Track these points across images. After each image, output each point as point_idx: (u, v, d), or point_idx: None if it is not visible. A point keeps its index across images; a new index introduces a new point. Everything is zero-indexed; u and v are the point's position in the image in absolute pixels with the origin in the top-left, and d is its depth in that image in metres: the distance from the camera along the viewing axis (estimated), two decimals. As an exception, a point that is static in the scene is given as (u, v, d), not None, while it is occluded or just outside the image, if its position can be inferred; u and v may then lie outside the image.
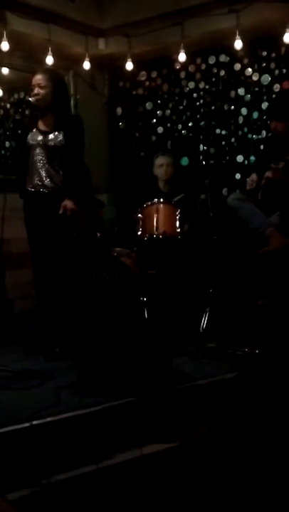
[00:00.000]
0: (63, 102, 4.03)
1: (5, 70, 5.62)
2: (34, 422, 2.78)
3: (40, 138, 3.95)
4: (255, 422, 2.80)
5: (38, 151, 3.95)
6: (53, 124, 3.96)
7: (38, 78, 3.94)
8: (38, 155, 3.95)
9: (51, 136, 3.93)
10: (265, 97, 5.54)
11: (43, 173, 3.94)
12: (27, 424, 2.76)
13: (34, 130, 4.00)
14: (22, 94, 5.81)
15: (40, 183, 3.96)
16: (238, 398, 2.92)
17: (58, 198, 3.91)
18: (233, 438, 2.78)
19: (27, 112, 4.17)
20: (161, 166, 5.21)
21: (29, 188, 4.00)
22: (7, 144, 5.94)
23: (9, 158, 5.88)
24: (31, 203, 4.02)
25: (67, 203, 3.88)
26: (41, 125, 4.01)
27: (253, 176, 4.50)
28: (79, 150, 4.02)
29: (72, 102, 6.04)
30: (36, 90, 3.92)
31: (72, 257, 3.90)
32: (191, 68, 5.94)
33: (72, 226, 3.97)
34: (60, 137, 3.91)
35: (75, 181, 3.97)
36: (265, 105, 5.51)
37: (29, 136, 4.00)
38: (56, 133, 3.92)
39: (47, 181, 3.94)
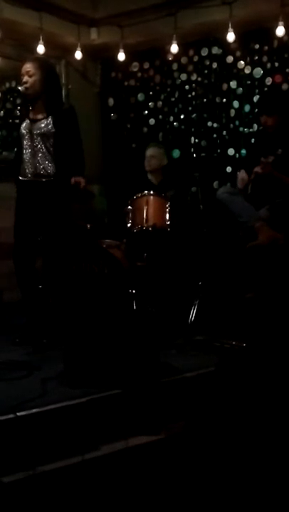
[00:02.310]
0: (53, 89, 4.00)
1: (-4, 59, 5.58)
2: (19, 413, 2.77)
3: (31, 126, 3.93)
4: (232, 415, 2.81)
5: (27, 139, 3.94)
6: (42, 112, 3.94)
7: (27, 66, 3.92)
8: (28, 144, 3.93)
9: (41, 124, 3.91)
10: (257, 91, 5.52)
11: (33, 163, 3.92)
12: (11, 416, 2.75)
13: (26, 120, 3.98)
14: (13, 83, 5.77)
15: (30, 173, 3.94)
16: (214, 392, 2.93)
17: (50, 188, 3.89)
18: (209, 431, 2.80)
19: (18, 102, 4.14)
20: (146, 157, 5.20)
21: (20, 178, 3.99)
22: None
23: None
24: (22, 192, 4.01)
25: (80, 179, 3.89)
26: (32, 113, 3.98)
27: (243, 175, 4.49)
28: (74, 138, 3.98)
29: (63, 91, 6.02)
30: (25, 78, 3.90)
31: (62, 248, 3.89)
32: (184, 60, 5.91)
33: (65, 217, 3.96)
34: (50, 125, 3.89)
35: (76, 167, 3.94)
36: (256, 98, 5.50)
37: (22, 125, 3.99)
38: (46, 121, 3.91)
39: (37, 170, 3.92)
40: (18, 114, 4.03)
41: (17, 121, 5.47)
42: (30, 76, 3.89)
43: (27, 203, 3.98)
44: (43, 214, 3.92)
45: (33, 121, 3.94)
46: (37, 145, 3.91)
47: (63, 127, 3.92)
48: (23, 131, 3.96)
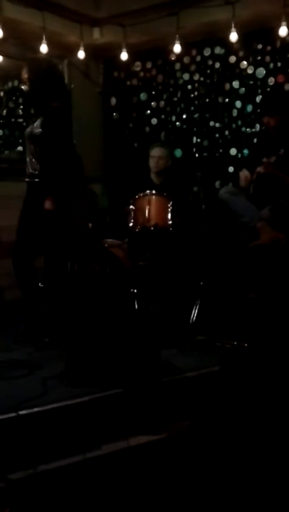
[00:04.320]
0: (41, 89, 3.93)
1: (-2, 58, 5.59)
2: (21, 412, 2.78)
3: (29, 128, 3.97)
4: (237, 415, 2.81)
5: (26, 141, 3.98)
6: (36, 113, 3.97)
7: (24, 71, 3.95)
8: (26, 145, 3.98)
9: (33, 125, 3.94)
10: (259, 91, 5.52)
11: (28, 163, 3.96)
12: (13, 414, 2.76)
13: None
14: (16, 83, 5.79)
15: (27, 173, 3.98)
16: (219, 392, 2.93)
17: (38, 188, 3.91)
18: (214, 431, 2.80)
19: (21, 101, 4.14)
20: (152, 157, 5.18)
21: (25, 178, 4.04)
22: (0, 132, 5.91)
23: (1, 146, 5.86)
24: (26, 192, 4.05)
25: (46, 203, 3.82)
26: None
27: (246, 173, 4.49)
28: (64, 139, 3.94)
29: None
30: (24, 85, 3.94)
31: (62, 247, 3.89)
32: (186, 60, 5.92)
33: (50, 223, 3.92)
34: (37, 126, 3.91)
35: (53, 172, 3.90)
36: (259, 98, 5.50)
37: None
38: (37, 122, 3.93)
39: (30, 171, 3.96)
40: (21, 113, 4.04)
41: (20, 120, 5.51)
42: (24, 82, 3.94)
43: (26, 203, 4.01)
44: (30, 214, 3.95)
45: (32, 123, 3.98)
46: (29, 146, 3.95)
47: (50, 128, 3.87)
48: (25, 133, 4.01)
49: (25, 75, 3.92)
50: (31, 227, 3.95)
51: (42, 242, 3.97)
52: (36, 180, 3.93)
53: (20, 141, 4.16)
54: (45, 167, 3.90)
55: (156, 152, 5.17)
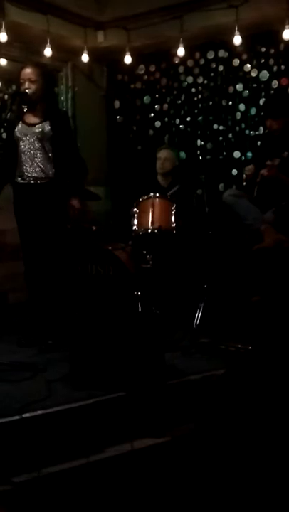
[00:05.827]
0: (52, 96, 4.15)
1: (3, 61, 5.60)
2: (24, 415, 2.78)
3: (28, 130, 3.97)
4: (243, 419, 2.80)
5: (26, 142, 3.96)
6: (40, 117, 3.99)
7: (29, 72, 3.95)
8: (27, 147, 3.96)
9: (40, 128, 3.96)
10: (263, 93, 5.53)
11: (33, 165, 3.95)
12: (17, 417, 2.76)
13: (20, 123, 4.01)
14: (20, 86, 5.80)
15: (29, 175, 3.96)
16: (225, 395, 2.92)
17: (50, 189, 3.93)
18: (219, 434, 2.79)
19: (13, 107, 4.14)
20: (158, 159, 5.22)
21: (19, 180, 4.00)
22: (4, 135, 5.92)
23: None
24: (21, 194, 4.03)
25: (75, 203, 3.96)
26: (29, 117, 4.03)
27: (251, 167, 4.49)
28: (72, 142, 4.05)
29: (70, 94, 6.06)
30: (27, 85, 3.94)
31: (66, 250, 3.90)
32: (190, 63, 5.92)
33: (65, 218, 3.99)
34: (48, 128, 3.94)
35: (73, 173, 3.99)
36: (262, 101, 5.50)
37: (16, 129, 4.01)
38: (44, 124, 3.96)
39: (37, 173, 3.95)
40: (11, 115, 4.05)
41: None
42: (32, 82, 3.94)
43: (27, 206, 4.00)
44: (43, 215, 3.95)
45: (30, 125, 3.98)
46: (34, 147, 3.95)
47: (60, 131, 3.98)
48: (19, 135, 3.98)
49: (31, 76, 3.93)
50: (40, 228, 3.96)
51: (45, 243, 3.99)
52: (48, 181, 3.94)
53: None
54: (65, 169, 3.95)
55: (162, 154, 5.22)
